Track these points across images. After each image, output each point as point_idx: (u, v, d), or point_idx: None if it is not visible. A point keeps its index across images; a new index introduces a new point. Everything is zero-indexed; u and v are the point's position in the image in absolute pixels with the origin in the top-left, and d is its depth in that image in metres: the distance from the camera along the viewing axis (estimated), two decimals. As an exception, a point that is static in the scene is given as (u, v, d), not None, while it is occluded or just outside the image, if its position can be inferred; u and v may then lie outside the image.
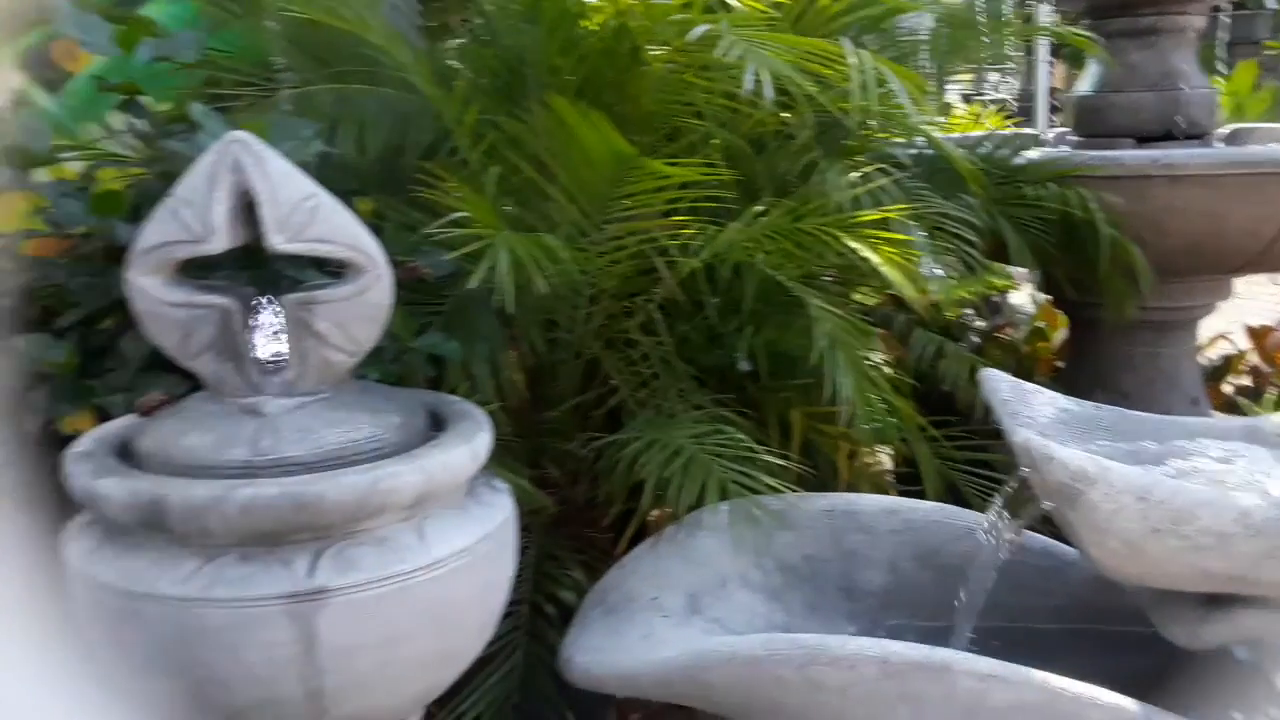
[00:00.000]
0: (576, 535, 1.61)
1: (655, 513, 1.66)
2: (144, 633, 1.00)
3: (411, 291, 1.39)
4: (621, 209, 1.36)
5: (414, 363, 1.35)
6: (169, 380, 1.27)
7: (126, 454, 1.10)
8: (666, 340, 1.54)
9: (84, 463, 1.05)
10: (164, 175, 1.33)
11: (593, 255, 1.41)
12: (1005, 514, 1.25)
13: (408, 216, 1.46)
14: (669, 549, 1.34)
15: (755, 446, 1.32)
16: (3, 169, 1.29)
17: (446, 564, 1.05)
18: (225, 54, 1.61)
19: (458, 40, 1.79)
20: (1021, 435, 1.14)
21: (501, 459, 1.22)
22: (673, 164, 1.28)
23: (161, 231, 1.03)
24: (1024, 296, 2.75)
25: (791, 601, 1.32)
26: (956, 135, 2.36)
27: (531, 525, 1.46)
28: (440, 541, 1.05)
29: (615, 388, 1.60)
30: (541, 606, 1.41)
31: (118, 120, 1.65)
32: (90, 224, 1.28)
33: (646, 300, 1.54)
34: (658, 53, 1.45)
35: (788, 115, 1.54)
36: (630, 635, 1.20)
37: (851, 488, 1.66)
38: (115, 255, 1.28)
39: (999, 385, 1.30)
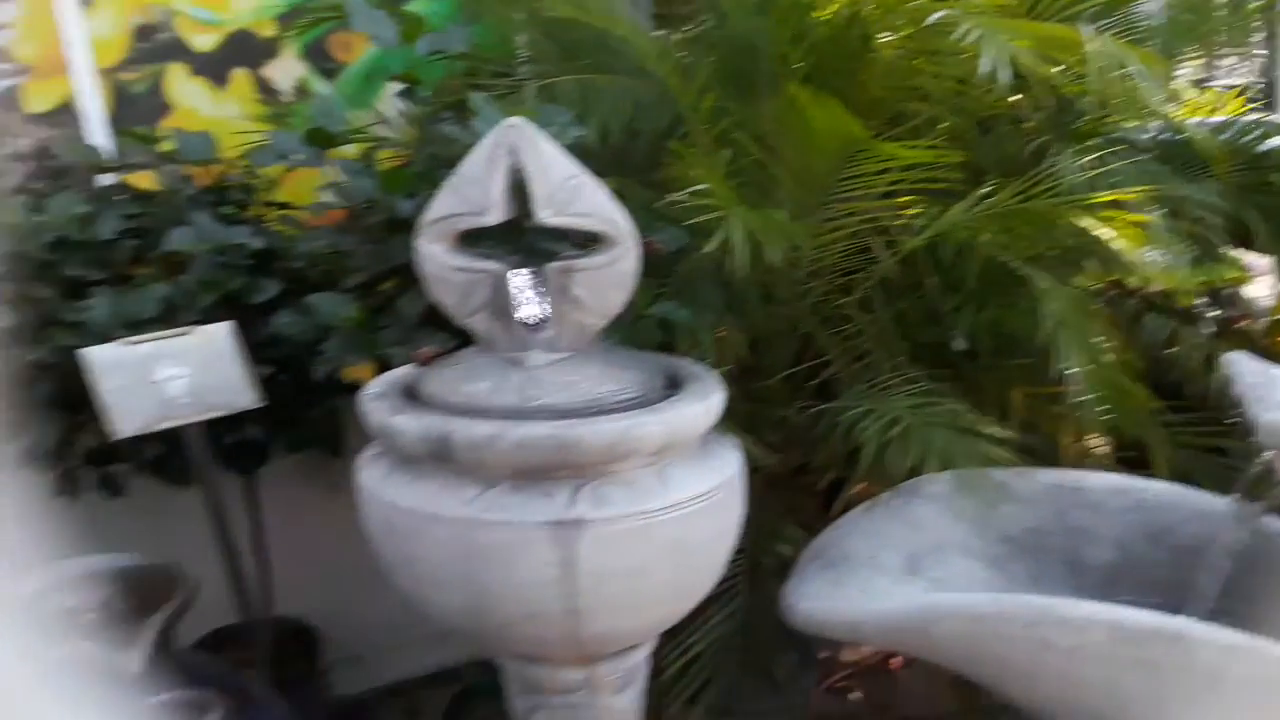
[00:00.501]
0: (788, 498, 1.69)
1: (858, 487, 1.72)
2: (432, 549, 1.17)
3: (646, 265, 1.51)
4: (844, 190, 1.42)
5: (647, 329, 1.47)
6: (439, 336, 1.44)
7: (410, 396, 1.27)
8: (883, 316, 1.59)
9: (380, 402, 1.23)
10: (433, 156, 1.51)
11: (814, 233, 1.48)
12: (1246, 497, 1.23)
13: (641, 197, 1.58)
14: (886, 513, 1.40)
15: (975, 419, 1.36)
16: (310, 149, 1.49)
17: (685, 507, 1.15)
18: (481, 47, 1.77)
19: (688, 29, 1.89)
20: (1272, 416, 1.12)
21: (723, 421, 1.32)
22: (904, 146, 1.33)
23: (447, 204, 1.18)
24: (1262, 288, 2.59)
25: (1014, 571, 1.35)
26: (1194, 120, 2.26)
27: (750, 485, 1.55)
28: (680, 486, 1.16)
29: (828, 360, 1.66)
30: (760, 558, 1.50)
31: (385, 106, 1.86)
32: (374, 198, 1.47)
33: (865, 277, 1.59)
34: (887, 39, 1.50)
35: (1017, 98, 1.55)
36: (850, 587, 1.27)
37: (1076, 467, 1.65)
38: (395, 226, 1.48)
39: (1245, 368, 1.27)
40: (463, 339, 1.38)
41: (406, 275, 1.47)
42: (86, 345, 1.44)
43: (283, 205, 1.71)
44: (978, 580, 1.32)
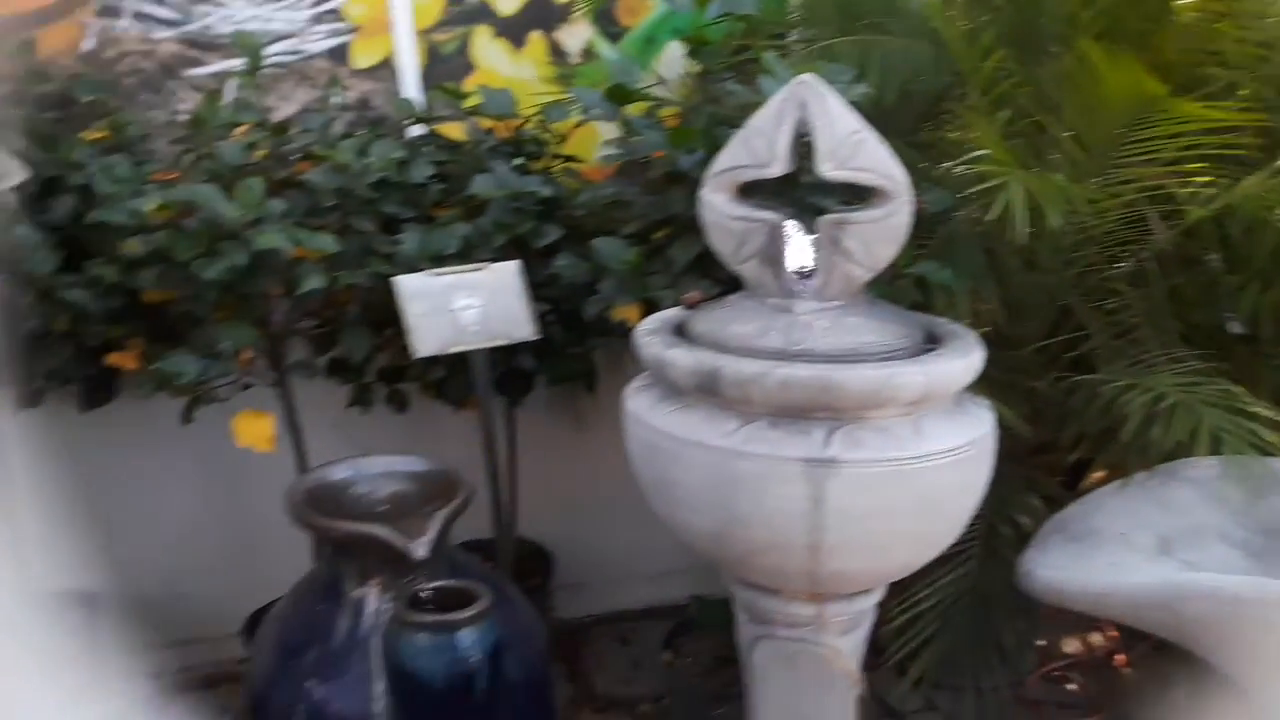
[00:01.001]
0: (1028, 473, 1.67)
1: (1098, 474, 1.67)
2: (690, 473, 1.27)
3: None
4: (1128, 155, 1.39)
5: (904, 288, 1.50)
6: (704, 283, 1.55)
7: (679, 335, 1.38)
8: (1155, 291, 1.53)
9: (654, 337, 1.34)
10: (713, 114, 1.60)
11: (1090, 199, 1.45)
12: None
13: (907, 157, 1.61)
14: (1140, 493, 1.37)
15: (1250, 401, 1.30)
16: (607, 105, 1.63)
17: (936, 459, 1.19)
18: (764, 10, 1.84)
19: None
20: None
21: (974, 384, 1.34)
22: (1207, 107, 1.28)
23: (734, 157, 1.27)
24: None
25: (1276, 565, 1.29)
26: None
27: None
28: (933, 438, 1.20)
29: (1086, 334, 1.62)
30: (997, 526, 1.51)
31: (664, 67, 1.97)
32: (658, 153, 1.58)
33: (1138, 249, 1.54)
34: (1186, 1, 1.44)
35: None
36: (1097, 561, 1.27)
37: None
38: (674, 179, 1.59)
39: None
40: (726, 286, 1.48)
41: (680, 225, 1.59)
42: (397, 274, 1.66)
43: (568, 158, 1.87)
44: (1236, 570, 1.27)
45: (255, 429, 1.68)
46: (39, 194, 1.61)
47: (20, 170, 1.18)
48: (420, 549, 1.46)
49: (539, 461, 2.24)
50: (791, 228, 1.28)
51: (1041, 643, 2.04)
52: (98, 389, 1.88)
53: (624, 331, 1.78)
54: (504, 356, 1.84)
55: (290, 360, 1.84)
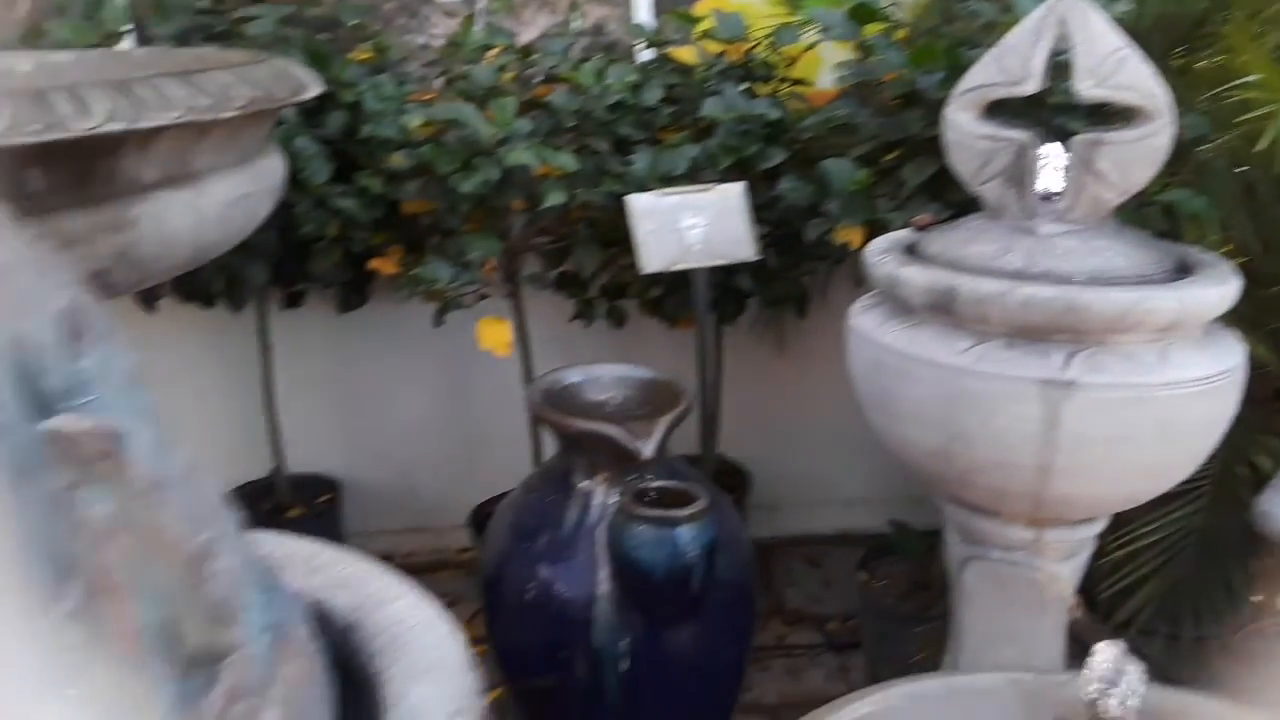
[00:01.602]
0: (1270, 414, 1.60)
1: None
2: (916, 389, 1.30)
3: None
4: None
5: (1151, 215, 1.45)
6: (933, 206, 1.55)
7: (909, 254, 1.39)
8: None
9: (886, 255, 1.37)
10: (955, 36, 1.58)
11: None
12: None
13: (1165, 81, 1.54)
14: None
15: None
16: (849, 24, 1.64)
17: (1182, 387, 1.17)
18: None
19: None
20: None
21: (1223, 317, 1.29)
22: None
23: (983, 75, 1.26)
24: None
25: None
26: None
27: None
28: (1180, 366, 1.18)
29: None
30: (1233, 465, 1.46)
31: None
32: (891, 73, 1.59)
33: None
34: None
35: None
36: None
37: None
38: (910, 100, 1.59)
39: None
40: (956, 210, 1.48)
41: (912, 146, 1.59)
42: (628, 193, 1.74)
43: (795, 82, 1.89)
44: None
45: (496, 334, 1.82)
46: (314, 110, 1.79)
47: (317, 84, 1.32)
48: (647, 448, 1.57)
49: (742, 383, 2.31)
50: (1044, 147, 1.26)
51: (1258, 598, 1.96)
52: (354, 293, 2.09)
53: (841, 256, 1.81)
54: (722, 277, 1.91)
55: (524, 273, 1.98)
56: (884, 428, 1.41)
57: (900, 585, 2.10)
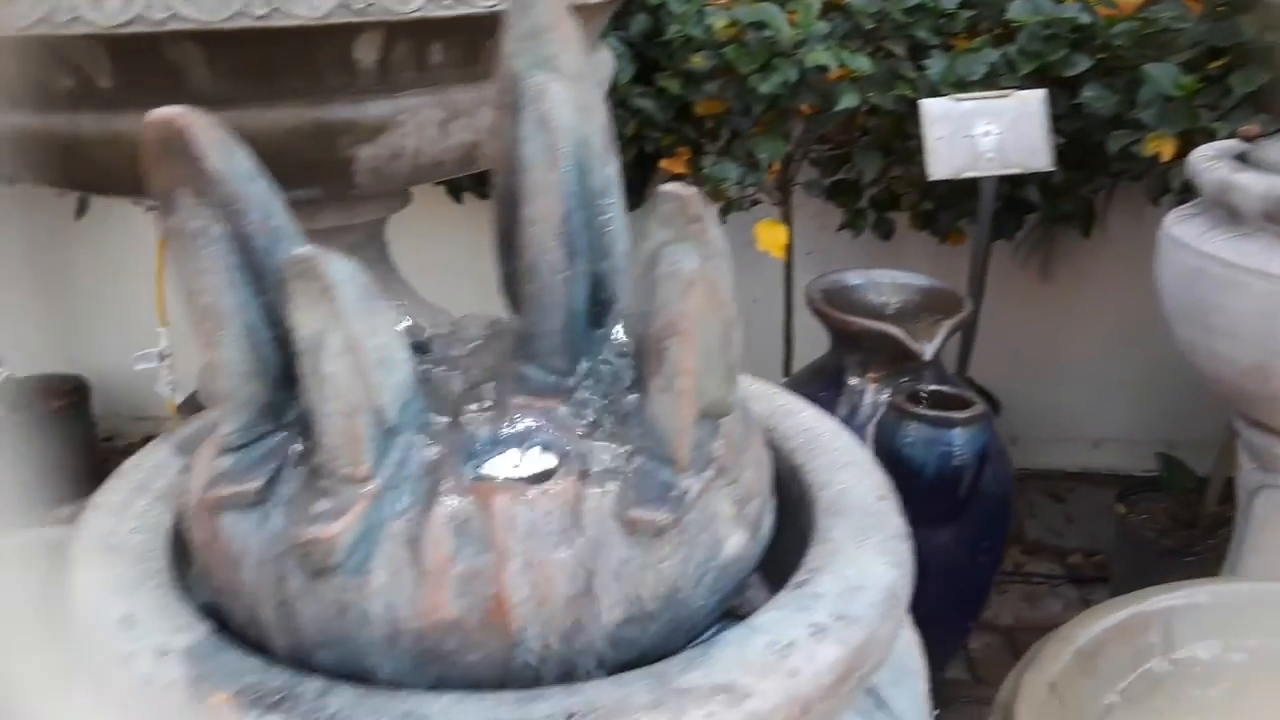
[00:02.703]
0: None
1: None
2: (1239, 301, 1.27)
3: None
4: None
5: None
6: (1261, 116, 1.47)
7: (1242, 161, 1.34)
8: None
9: (1217, 162, 1.32)
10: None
11: None
12: None
13: None
14: None
15: None
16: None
17: None
18: None
19: None
20: None
21: None
22: None
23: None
24: None
25: None
26: None
27: None
28: None
29: None
30: None
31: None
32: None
33: None
34: None
35: None
36: None
37: None
38: (1242, 5, 1.50)
39: None
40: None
41: (1241, 54, 1.51)
42: (920, 98, 1.75)
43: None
44: None
45: (773, 236, 1.89)
46: (620, 13, 1.89)
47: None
48: (929, 350, 1.60)
49: (999, 305, 2.27)
50: None
51: None
52: (633, 193, 2.21)
53: (1141, 171, 1.75)
54: (1007, 189, 1.89)
55: (798, 180, 2.03)
56: (1194, 341, 1.38)
57: (1161, 520, 2.05)
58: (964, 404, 1.58)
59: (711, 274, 0.49)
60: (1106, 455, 2.55)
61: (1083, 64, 1.70)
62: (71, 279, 2.68)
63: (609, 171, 0.60)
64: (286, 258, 0.46)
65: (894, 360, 1.64)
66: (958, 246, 2.12)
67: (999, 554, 1.78)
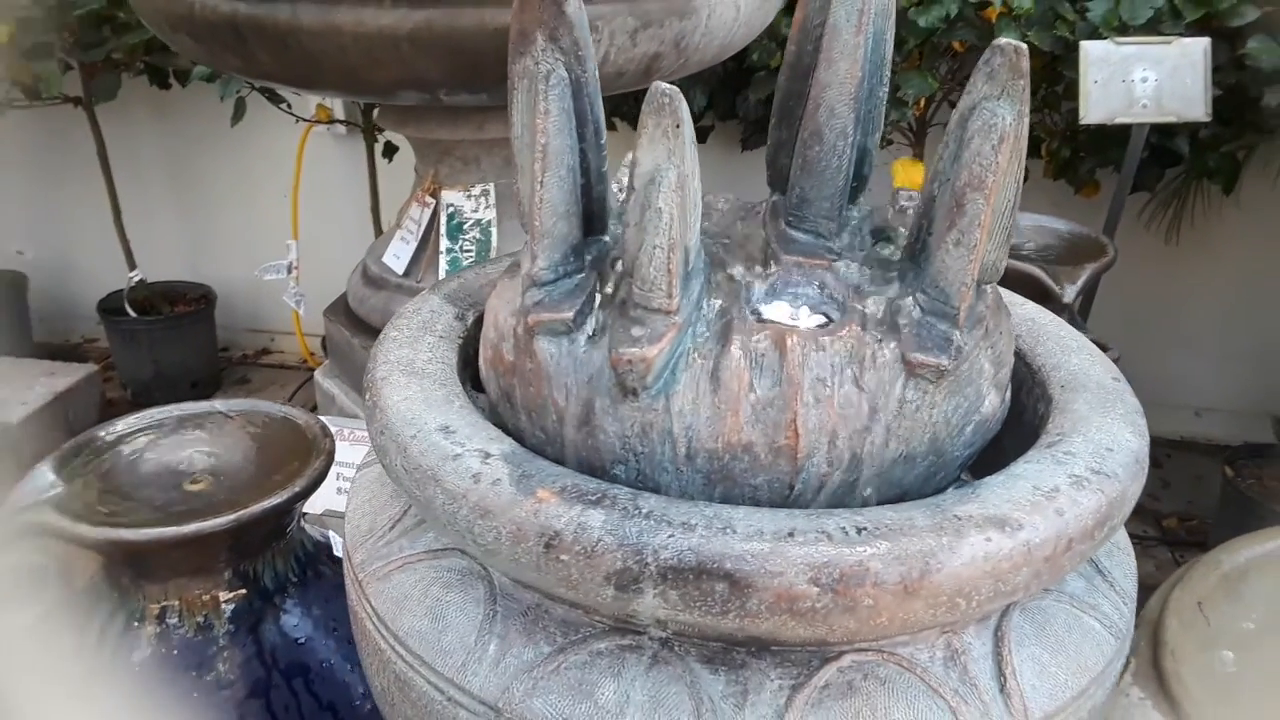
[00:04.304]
0: None
1: None
2: None
3: None
4: None
5: None
6: None
7: None
8: None
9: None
10: None
11: None
12: None
13: None
14: None
15: None
16: None
17: None
18: None
19: None
20: None
21: None
22: None
23: None
24: None
25: None
26: None
27: None
28: None
29: None
30: None
31: None
32: None
33: None
34: None
35: None
36: None
37: None
38: None
39: None
40: None
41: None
42: (1080, 40, 1.73)
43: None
44: None
45: (911, 173, 1.90)
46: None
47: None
48: (1069, 293, 1.61)
49: (1122, 264, 2.24)
50: None
51: None
52: (759, 132, 2.23)
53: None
54: (1156, 139, 1.86)
55: (937, 121, 2.02)
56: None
57: (1271, 485, 2.04)
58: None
59: (1022, 133, 0.53)
60: (1207, 424, 2.52)
61: (1251, 14, 1.67)
62: (208, 192, 2.80)
63: (889, 47, 0.64)
64: (654, 86, 0.51)
65: (1034, 300, 1.65)
66: (1090, 199, 2.11)
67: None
